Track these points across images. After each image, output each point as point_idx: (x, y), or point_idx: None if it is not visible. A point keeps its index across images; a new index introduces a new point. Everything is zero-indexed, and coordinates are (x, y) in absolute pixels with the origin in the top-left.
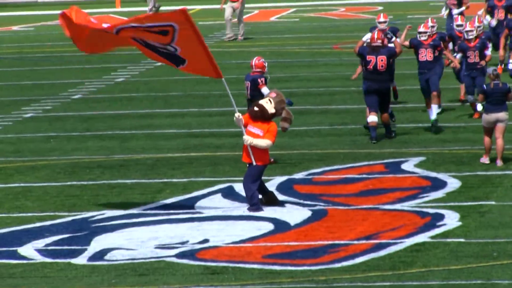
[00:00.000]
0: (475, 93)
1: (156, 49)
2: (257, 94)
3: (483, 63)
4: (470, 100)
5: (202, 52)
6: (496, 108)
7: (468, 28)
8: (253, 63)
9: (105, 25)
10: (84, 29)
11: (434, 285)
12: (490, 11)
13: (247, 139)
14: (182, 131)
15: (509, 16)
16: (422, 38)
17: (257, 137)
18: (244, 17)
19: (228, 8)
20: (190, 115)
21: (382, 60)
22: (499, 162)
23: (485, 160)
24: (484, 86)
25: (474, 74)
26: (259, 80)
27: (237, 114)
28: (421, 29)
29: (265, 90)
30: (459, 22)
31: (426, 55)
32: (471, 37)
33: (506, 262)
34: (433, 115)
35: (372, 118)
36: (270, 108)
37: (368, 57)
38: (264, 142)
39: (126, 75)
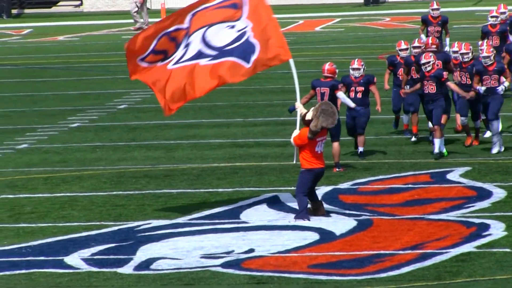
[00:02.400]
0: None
1: (227, 51)
2: (334, 99)
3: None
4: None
5: (272, 26)
6: None
7: (463, 51)
8: (325, 68)
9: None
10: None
11: None
12: (484, 37)
13: (298, 106)
14: (227, 141)
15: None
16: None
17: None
18: (289, 27)
19: (132, 4)
20: (235, 125)
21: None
22: None
23: None
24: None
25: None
26: (339, 86)
27: (297, 104)
28: (423, 60)
29: (340, 94)
30: (455, 48)
31: (428, 87)
32: (466, 59)
33: None
34: (436, 149)
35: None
36: (309, 115)
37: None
38: (292, 138)
39: None
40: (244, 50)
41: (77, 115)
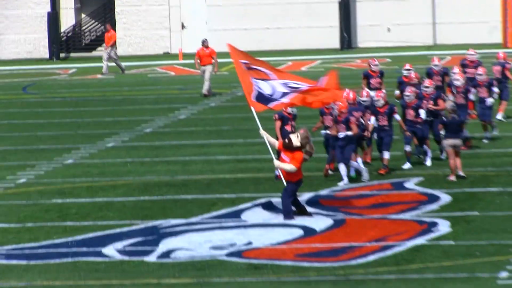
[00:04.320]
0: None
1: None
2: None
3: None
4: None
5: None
6: (453, 135)
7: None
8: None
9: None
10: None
11: (430, 278)
12: (428, 76)
13: (276, 163)
14: (231, 157)
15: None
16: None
17: (284, 162)
18: (281, 67)
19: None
20: (237, 145)
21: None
22: (453, 178)
23: (451, 178)
24: (444, 118)
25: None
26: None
27: (261, 131)
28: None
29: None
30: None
31: (380, 120)
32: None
33: (487, 260)
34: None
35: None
36: (296, 141)
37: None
38: (289, 166)
39: (187, 113)
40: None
41: (112, 137)
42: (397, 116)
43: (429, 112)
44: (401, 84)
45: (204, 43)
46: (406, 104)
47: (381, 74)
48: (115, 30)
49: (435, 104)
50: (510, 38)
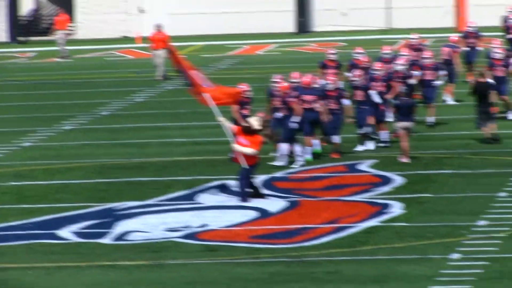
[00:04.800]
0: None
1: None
2: None
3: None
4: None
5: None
6: (405, 118)
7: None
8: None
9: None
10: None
11: (383, 259)
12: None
13: (236, 147)
14: (188, 140)
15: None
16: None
17: (244, 146)
18: (237, 50)
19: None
20: (194, 128)
21: None
22: (406, 159)
23: (401, 159)
24: (396, 101)
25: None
26: None
27: (219, 118)
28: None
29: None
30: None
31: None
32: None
33: (439, 241)
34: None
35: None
36: (256, 125)
37: None
38: (250, 150)
39: (145, 96)
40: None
41: (70, 120)
42: (346, 101)
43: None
44: (353, 67)
45: (158, 28)
46: (355, 85)
47: (339, 65)
48: (70, 15)
49: (387, 86)
50: (463, 22)
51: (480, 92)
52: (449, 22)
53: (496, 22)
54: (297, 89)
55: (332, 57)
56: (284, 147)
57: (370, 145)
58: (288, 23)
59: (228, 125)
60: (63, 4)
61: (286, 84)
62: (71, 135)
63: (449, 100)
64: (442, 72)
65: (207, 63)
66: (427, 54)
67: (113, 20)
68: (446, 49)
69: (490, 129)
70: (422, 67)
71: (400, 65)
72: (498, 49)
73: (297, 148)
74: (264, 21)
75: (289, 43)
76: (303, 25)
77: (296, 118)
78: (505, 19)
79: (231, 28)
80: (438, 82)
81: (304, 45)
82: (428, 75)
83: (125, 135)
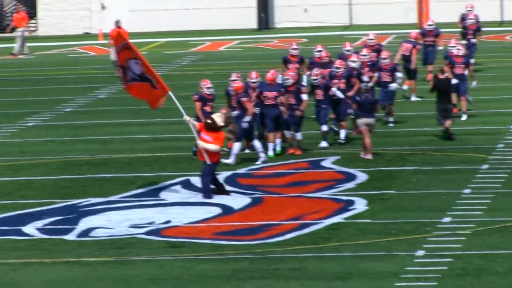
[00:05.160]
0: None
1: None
2: None
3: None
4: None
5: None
6: (366, 114)
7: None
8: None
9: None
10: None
11: (347, 256)
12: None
13: (200, 143)
14: (150, 136)
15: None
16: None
17: (208, 142)
18: (199, 47)
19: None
20: (156, 124)
21: None
22: (369, 156)
23: (364, 155)
24: (357, 97)
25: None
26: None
27: (185, 117)
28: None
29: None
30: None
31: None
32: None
33: (403, 238)
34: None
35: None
36: (220, 121)
37: None
38: (213, 147)
39: (107, 93)
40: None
41: (33, 116)
42: (304, 96)
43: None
44: (313, 65)
45: (117, 24)
46: (314, 84)
47: (301, 60)
48: (34, 11)
49: (347, 83)
50: (425, 18)
51: (440, 88)
52: (412, 18)
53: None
54: (260, 85)
55: (294, 52)
56: (236, 146)
57: (324, 144)
58: (251, 20)
59: (194, 123)
60: (26, 1)
61: (239, 83)
62: (33, 131)
63: (412, 97)
64: (399, 74)
65: (169, 60)
66: (384, 55)
67: (75, 16)
68: (406, 45)
69: (447, 125)
70: (379, 69)
71: (353, 62)
72: (458, 46)
73: (257, 145)
74: (225, 18)
75: (251, 39)
76: (265, 21)
77: (247, 118)
78: (463, 17)
79: (192, 25)
80: (394, 85)
81: (265, 41)
82: (385, 77)
83: (88, 132)
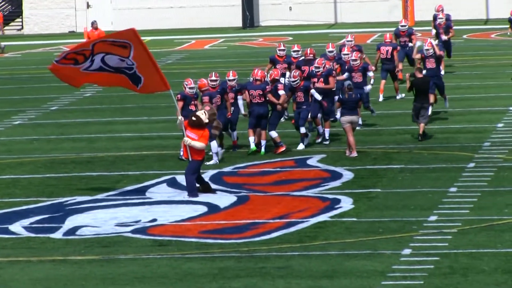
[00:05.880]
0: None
1: (122, 70)
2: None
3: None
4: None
5: (152, 67)
6: (350, 112)
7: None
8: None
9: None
10: (68, 69)
11: (333, 255)
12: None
13: (187, 140)
14: (136, 135)
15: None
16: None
17: (193, 140)
18: (184, 45)
19: None
20: (142, 122)
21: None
22: (354, 154)
23: (349, 154)
24: (340, 95)
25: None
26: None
27: (180, 117)
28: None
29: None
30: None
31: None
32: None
33: (389, 236)
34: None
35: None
36: (205, 118)
37: None
38: (199, 144)
39: (92, 91)
40: (133, 78)
41: (19, 115)
42: (281, 92)
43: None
44: (290, 65)
45: (93, 25)
46: (294, 86)
47: (288, 60)
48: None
49: (326, 82)
50: (410, 16)
51: (418, 87)
52: (397, 17)
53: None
54: (247, 84)
55: (281, 53)
56: (213, 145)
57: (301, 146)
58: (236, 18)
59: (182, 120)
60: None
61: (203, 80)
62: (20, 130)
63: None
64: (371, 74)
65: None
66: (354, 56)
67: (60, 15)
68: (385, 48)
69: (422, 127)
70: (349, 69)
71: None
72: (428, 46)
73: (212, 145)
74: (210, 16)
75: (236, 37)
76: (250, 19)
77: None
78: (434, 17)
79: (177, 23)
80: (368, 87)
81: (250, 39)
82: (357, 78)
83: (74, 130)
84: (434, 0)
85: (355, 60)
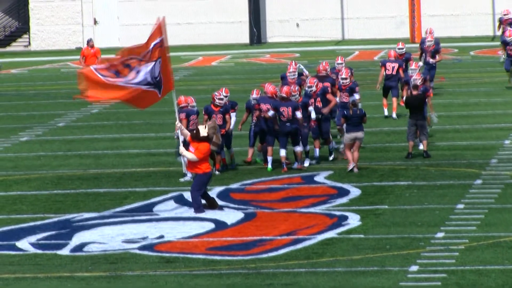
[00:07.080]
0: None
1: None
2: None
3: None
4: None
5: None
6: (355, 128)
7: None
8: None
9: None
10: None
11: (340, 271)
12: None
13: (181, 150)
14: (143, 151)
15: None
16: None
17: (189, 151)
18: (191, 62)
19: None
20: (149, 139)
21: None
22: (356, 170)
23: (349, 166)
24: (345, 111)
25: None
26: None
27: (177, 123)
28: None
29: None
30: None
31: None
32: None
33: (396, 253)
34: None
35: None
36: (203, 132)
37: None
38: (191, 156)
39: (99, 107)
40: (159, 85)
41: (26, 131)
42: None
43: (317, 110)
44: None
45: (89, 43)
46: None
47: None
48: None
49: (323, 100)
50: (417, 32)
51: (412, 104)
52: (404, 33)
53: (451, 32)
54: (259, 98)
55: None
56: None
57: (307, 163)
58: (243, 34)
59: (186, 132)
60: (19, 16)
61: (182, 98)
62: (27, 146)
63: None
64: (357, 96)
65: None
66: (344, 74)
67: (67, 31)
68: (391, 65)
69: (424, 145)
70: (339, 88)
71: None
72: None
73: (182, 161)
74: (218, 33)
75: (243, 54)
76: (257, 36)
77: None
78: (422, 41)
79: (185, 39)
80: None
81: (258, 56)
82: (344, 97)
83: (81, 146)
84: (441, 17)
85: (345, 78)
